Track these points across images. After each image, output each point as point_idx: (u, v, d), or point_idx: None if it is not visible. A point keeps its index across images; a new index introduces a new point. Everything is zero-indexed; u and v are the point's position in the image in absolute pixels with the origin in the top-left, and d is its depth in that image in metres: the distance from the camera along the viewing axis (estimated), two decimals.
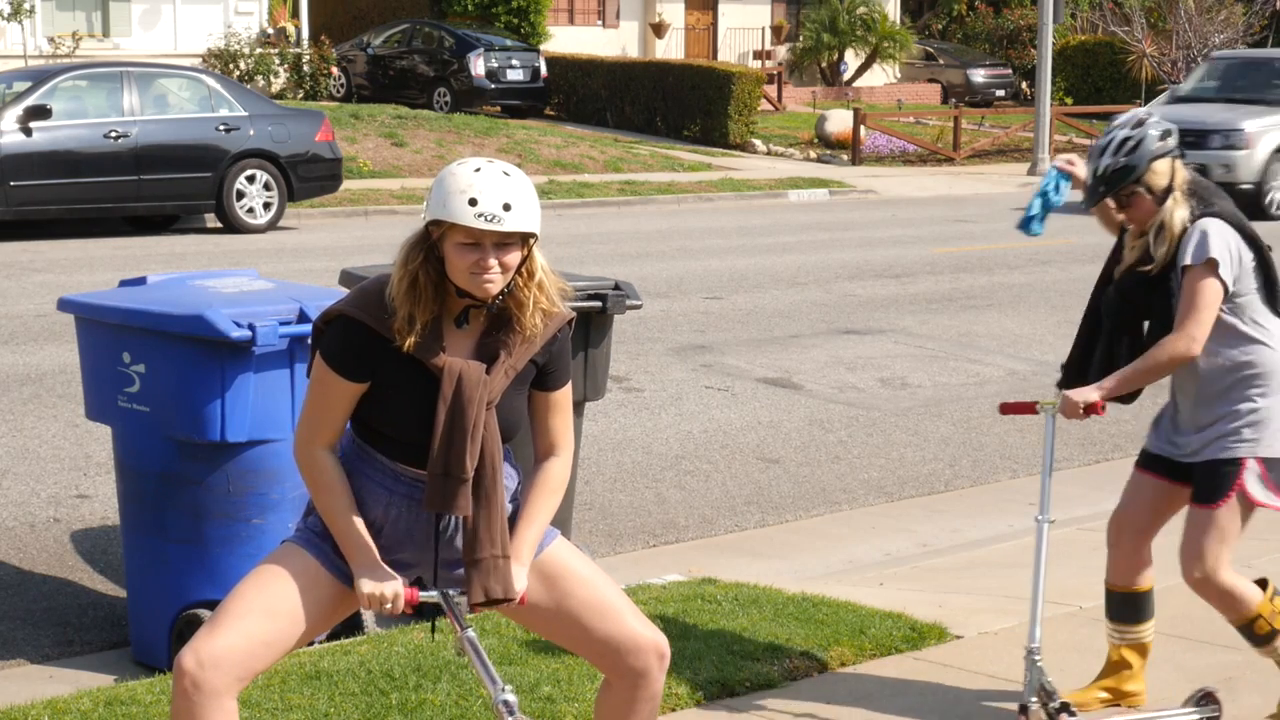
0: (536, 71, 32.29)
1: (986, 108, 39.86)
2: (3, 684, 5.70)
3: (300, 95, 30.23)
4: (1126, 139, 4.91)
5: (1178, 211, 4.91)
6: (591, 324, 6.32)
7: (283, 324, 5.51)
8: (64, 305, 5.96)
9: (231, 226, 18.99)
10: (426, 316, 3.72)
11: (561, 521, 6.41)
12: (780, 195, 25.87)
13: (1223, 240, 4.85)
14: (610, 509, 8.18)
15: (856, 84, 41.77)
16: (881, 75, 42.59)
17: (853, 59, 41.91)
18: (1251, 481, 4.93)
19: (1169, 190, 4.91)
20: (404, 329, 3.70)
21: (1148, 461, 5.24)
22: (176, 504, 5.64)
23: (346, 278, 6.39)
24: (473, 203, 3.62)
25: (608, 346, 6.54)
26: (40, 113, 17.81)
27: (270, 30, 31.41)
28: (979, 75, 42.26)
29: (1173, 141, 4.95)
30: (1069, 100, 40.20)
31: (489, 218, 3.62)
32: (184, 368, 5.52)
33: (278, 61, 30.26)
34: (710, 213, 23.40)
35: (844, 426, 10.05)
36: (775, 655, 5.65)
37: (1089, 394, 4.94)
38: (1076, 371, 5.30)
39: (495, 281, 3.68)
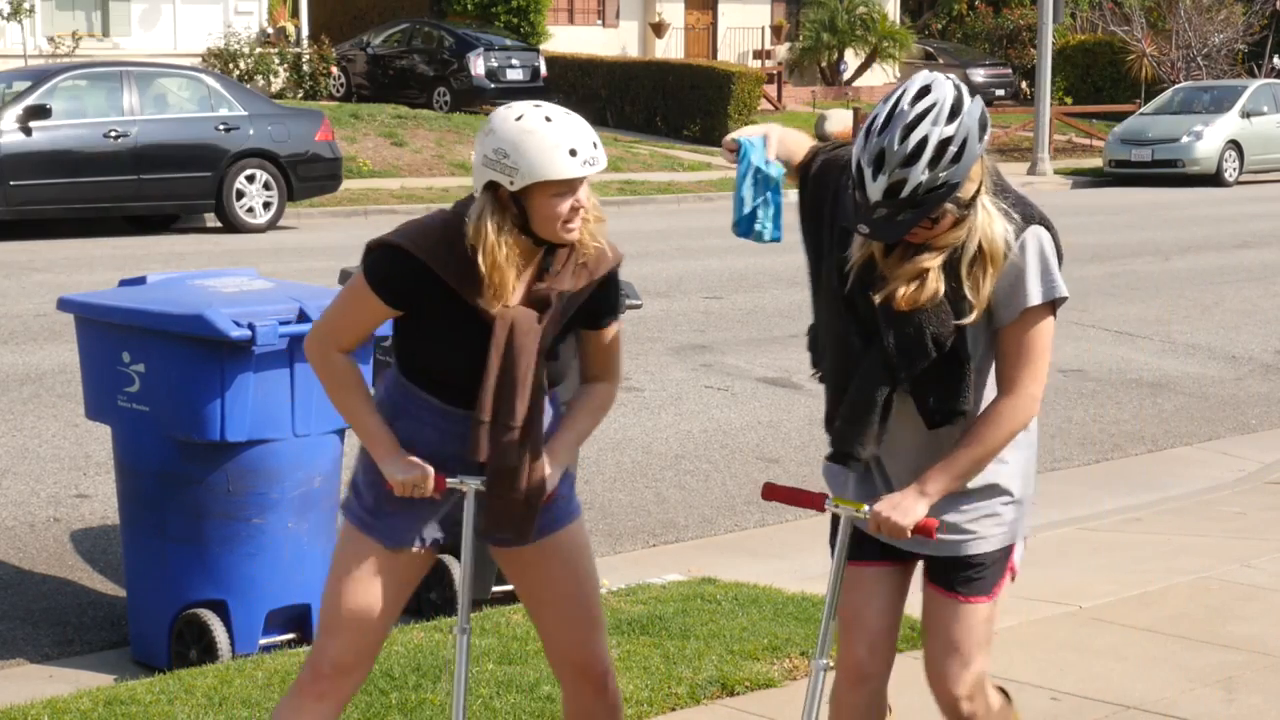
0: (536, 71, 32.27)
1: (986, 107, 39.85)
2: (3, 684, 5.70)
3: (300, 95, 30.22)
4: (946, 141, 3.37)
5: (995, 226, 3.49)
6: None
7: (282, 323, 5.51)
8: (64, 305, 5.95)
9: (231, 226, 19.00)
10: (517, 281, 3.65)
11: None
12: None
13: (1057, 264, 3.58)
14: (610, 509, 8.18)
15: (856, 84, 41.78)
16: (881, 75, 42.58)
17: (852, 58, 41.93)
18: (1018, 555, 3.84)
19: (975, 196, 3.48)
20: (501, 295, 3.61)
21: (863, 548, 3.72)
22: (176, 504, 5.64)
23: (346, 277, 6.38)
24: (573, 153, 3.58)
25: None
26: (40, 112, 17.82)
27: (270, 30, 31.41)
28: (979, 75, 42.22)
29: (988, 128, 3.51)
30: (1069, 100, 40.23)
31: (591, 161, 3.61)
32: (184, 367, 5.52)
33: (277, 61, 30.25)
34: (710, 212, 23.39)
35: None
36: (775, 655, 5.65)
37: (914, 510, 3.50)
38: (857, 438, 3.66)
39: (579, 224, 3.67)
